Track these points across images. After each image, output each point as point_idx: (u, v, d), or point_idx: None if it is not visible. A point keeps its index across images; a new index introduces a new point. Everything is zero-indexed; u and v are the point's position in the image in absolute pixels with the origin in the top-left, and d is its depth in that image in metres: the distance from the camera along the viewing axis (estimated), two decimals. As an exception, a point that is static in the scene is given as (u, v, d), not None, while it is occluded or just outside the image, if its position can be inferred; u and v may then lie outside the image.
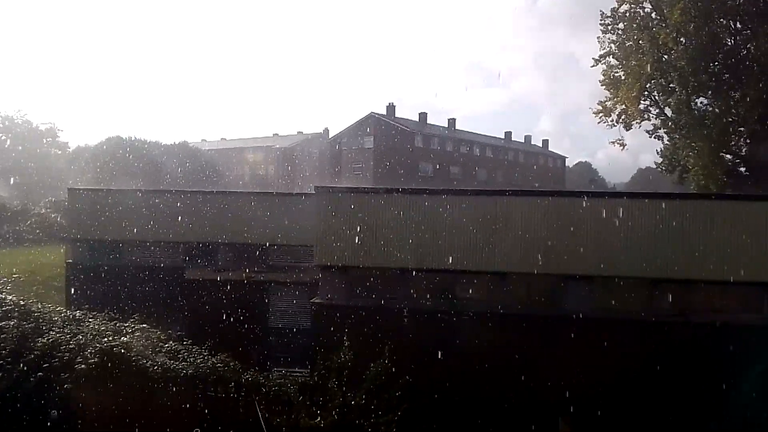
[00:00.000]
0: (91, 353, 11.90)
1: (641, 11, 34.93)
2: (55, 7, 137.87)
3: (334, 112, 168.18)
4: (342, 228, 14.99)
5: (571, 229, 13.99)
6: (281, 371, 15.33)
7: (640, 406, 13.10)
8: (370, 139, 73.57)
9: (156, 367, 12.16)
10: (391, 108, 75.09)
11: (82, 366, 11.65)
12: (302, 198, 19.57)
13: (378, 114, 75.01)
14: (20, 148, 59.93)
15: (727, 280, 13.33)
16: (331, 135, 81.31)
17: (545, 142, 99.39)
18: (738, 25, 33.03)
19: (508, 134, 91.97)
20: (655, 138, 38.20)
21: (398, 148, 70.22)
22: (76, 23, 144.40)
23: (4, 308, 13.34)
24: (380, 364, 12.79)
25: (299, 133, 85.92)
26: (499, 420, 13.46)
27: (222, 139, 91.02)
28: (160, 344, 13.36)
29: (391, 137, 71.75)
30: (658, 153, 39.24)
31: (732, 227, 13.49)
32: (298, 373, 14.71)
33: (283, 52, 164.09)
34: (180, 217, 19.69)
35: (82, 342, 12.26)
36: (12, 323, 12.72)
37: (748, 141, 33.91)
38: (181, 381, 12.10)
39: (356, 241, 14.88)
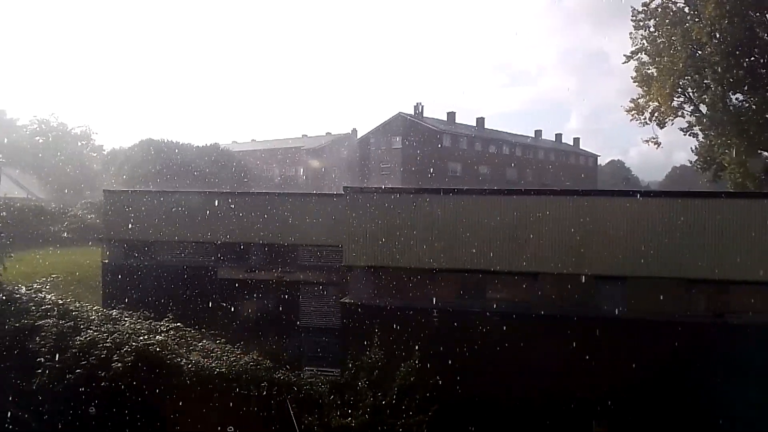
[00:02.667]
0: (127, 351, 12.16)
1: (673, 6, 34.22)
2: (89, 11, 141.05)
3: (363, 113, 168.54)
4: (370, 228, 15.05)
5: (604, 228, 13.82)
6: (312, 370, 15.43)
7: (675, 408, 12.86)
8: (398, 139, 73.49)
9: (190, 365, 12.37)
10: (419, 108, 74.93)
11: (119, 364, 11.90)
12: (331, 198, 19.68)
13: (406, 114, 74.92)
14: (56, 151, 61.43)
15: (766, 281, 13.01)
16: (359, 135, 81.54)
17: (576, 140, 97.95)
18: (774, 18, 32.13)
19: (537, 133, 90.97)
20: (689, 135, 37.36)
21: (426, 148, 70.00)
22: (111, 28, 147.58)
23: (43, 307, 13.75)
24: (410, 365, 12.82)
25: (328, 134, 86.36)
26: (530, 422, 13.35)
27: (252, 140, 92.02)
28: (194, 343, 13.60)
29: (419, 137, 71.55)
30: (692, 151, 38.40)
31: (770, 226, 13.17)
32: (328, 372, 14.80)
33: (312, 53, 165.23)
34: (212, 218, 19.98)
35: (118, 340, 12.53)
36: (51, 322, 13.09)
37: (786, 138, 32.98)
38: (214, 379, 12.28)
39: (384, 241, 14.92)
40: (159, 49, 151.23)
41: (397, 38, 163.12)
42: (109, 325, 13.38)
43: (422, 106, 75.59)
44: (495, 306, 14.39)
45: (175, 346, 12.90)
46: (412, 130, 73.39)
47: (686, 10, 33.80)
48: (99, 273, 21.24)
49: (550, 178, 79.34)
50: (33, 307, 13.75)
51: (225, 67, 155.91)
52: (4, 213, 18.17)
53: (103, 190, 24.07)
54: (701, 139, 36.96)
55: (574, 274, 13.96)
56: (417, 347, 13.11)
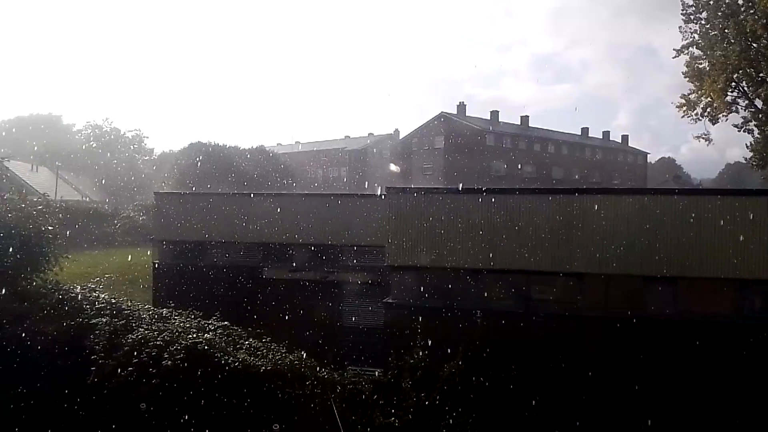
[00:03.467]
0: (177, 349, 12.46)
1: (726, -1, 33.08)
2: (141, 20, 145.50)
3: (405, 114, 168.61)
4: (412, 229, 15.04)
5: (653, 228, 13.44)
6: (355, 369, 15.50)
7: (728, 414, 12.40)
8: (440, 139, 73.20)
9: (237, 364, 12.59)
10: (461, 107, 74.48)
11: (169, 362, 12.20)
12: (374, 199, 19.74)
13: (448, 113, 74.56)
14: (108, 154, 63.55)
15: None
16: (401, 136, 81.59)
17: (624, 137, 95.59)
18: (835, 7, 30.67)
19: (584, 130, 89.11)
20: (744, 131, 36.05)
21: (469, 147, 69.47)
22: (161, 35, 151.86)
23: (97, 306, 14.25)
24: (453, 366, 12.74)
25: (370, 134, 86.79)
26: (576, 426, 13.09)
27: (296, 142, 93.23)
28: (241, 341, 13.82)
29: (461, 137, 71.07)
30: (747, 147, 36.98)
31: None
32: (371, 372, 14.84)
33: (357, 54, 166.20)
34: (258, 219, 20.30)
35: (168, 338, 12.84)
36: (104, 320, 13.54)
37: None
38: (260, 377, 12.46)
39: (427, 241, 14.88)
40: (208, 55, 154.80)
41: (439, 36, 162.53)
42: (160, 324, 13.72)
43: (465, 105, 75.16)
44: (540, 307, 14.17)
45: (223, 345, 13.13)
46: (455, 130, 72.97)
47: (740, 1, 32.62)
48: (150, 273, 21.83)
49: (598, 177, 77.66)
50: (87, 306, 14.25)
51: (271, 70, 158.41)
52: (60, 215, 18.87)
53: (154, 192, 24.78)
54: (756, 135, 35.59)
55: (622, 275, 13.62)
56: (460, 348, 13.02)
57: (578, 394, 13.14)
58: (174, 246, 21.30)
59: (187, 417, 11.98)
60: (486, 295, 14.65)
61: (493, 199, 15.00)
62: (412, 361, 12.99)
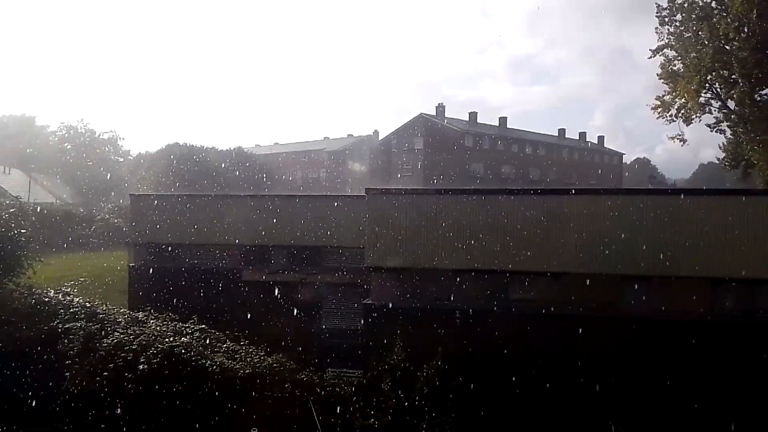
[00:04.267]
0: (153, 353, 12.30)
1: (700, 1, 33.67)
2: (117, 20, 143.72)
3: (384, 114, 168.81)
4: (392, 230, 15.04)
5: (629, 228, 13.60)
6: (335, 371, 15.44)
7: (699, 410, 12.59)
8: (420, 140, 73.42)
9: (215, 367, 12.47)
10: (440, 108, 74.76)
11: (145, 366, 12.04)
12: (353, 200, 19.70)
13: (428, 114, 74.82)
14: (84, 155, 62.53)
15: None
16: (380, 137, 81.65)
17: (600, 138, 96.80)
18: (805, 11, 31.39)
19: (561, 131, 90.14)
20: (717, 132, 36.65)
21: (448, 148, 69.77)
22: (137, 35, 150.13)
23: (71, 310, 14.01)
24: (433, 366, 12.75)
25: (349, 135, 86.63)
26: (553, 421, 13.19)
27: (275, 143, 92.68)
28: (219, 344, 13.70)
29: (440, 138, 71.37)
30: (720, 148, 37.60)
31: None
32: (350, 373, 14.80)
33: (334, 55, 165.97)
34: (236, 221, 20.14)
35: (144, 342, 12.68)
36: (79, 324, 13.33)
37: (818, 133, 32.18)
38: (238, 380, 12.36)
39: (406, 242, 14.89)
40: (184, 56, 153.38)
41: (418, 38, 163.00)
42: (136, 328, 13.56)
43: (444, 107, 75.41)
44: (518, 306, 14.25)
45: (200, 348, 13.00)
46: (434, 131, 73.28)
47: (713, 4, 33.18)
48: (126, 276, 21.53)
49: (575, 178, 78.50)
50: (61, 310, 14.03)
51: (248, 71, 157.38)
52: (33, 218, 18.53)
53: (129, 194, 24.46)
54: (729, 136, 36.20)
55: (598, 275, 13.77)
56: (440, 348, 13.04)
57: (556, 392, 13.23)
58: (150, 249, 21.04)
59: (164, 421, 11.85)
60: (465, 295, 14.69)
61: (472, 200, 15.07)
62: (391, 362, 12.98)
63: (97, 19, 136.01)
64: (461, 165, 69.49)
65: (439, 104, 74.78)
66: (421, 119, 74.88)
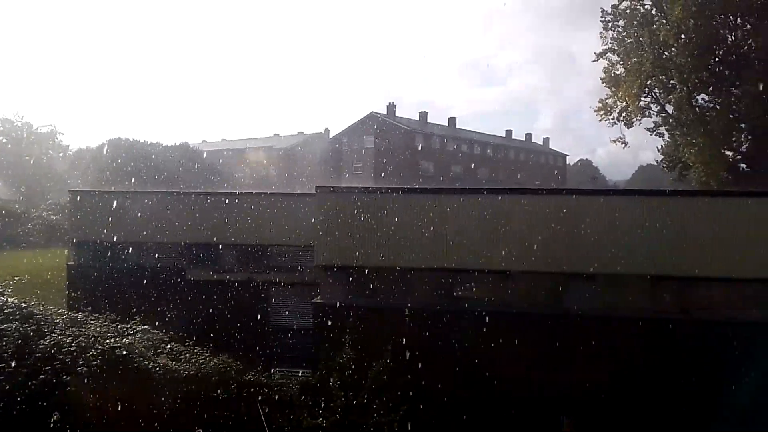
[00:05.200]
0: (93, 355, 11.91)
1: (641, 8, 34.91)
2: (55, 8, 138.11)
3: (335, 112, 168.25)
4: (342, 228, 14.98)
5: (573, 227, 13.96)
6: (283, 371, 15.30)
7: (643, 404, 13.06)
8: (370, 138, 73.58)
9: (158, 368, 12.16)
10: (391, 107, 75.09)
11: (85, 368, 11.64)
12: (303, 198, 19.55)
13: (378, 113, 75.03)
14: (20, 151, 59.93)
15: (730, 277, 13.30)
16: (331, 135, 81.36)
17: (546, 140, 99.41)
18: (738, 20, 32.99)
19: (508, 132, 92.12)
20: (656, 135, 38.25)
21: (399, 147, 70.20)
22: (74, 24, 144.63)
23: (5, 311, 13.34)
24: (382, 364, 12.78)
25: (300, 133, 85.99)
26: (502, 419, 13.44)
27: (222, 139, 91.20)
28: (162, 345, 13.37)
29: (391, 136, 71.73)
30: (659, 150, 39.29)
31: (734, 223, 13.45)
32: (300, 373, 14.70)
33: (282, 51, 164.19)
34: (181, 219, 19.68)
35: (84, 344, 12.24)
36: (14, 326, 12.70)
37: (749, 137, 33.87)
38: (182, 382, 12.10)
39: (357, 241, 14.86)
40: (126, 46, 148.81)
41: (369, 36, 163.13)
42: (75, 329, 13.05)
43: (395, 106, 75.83)
44: (467, 304, 14.43)
45: (143, 349, 12.65)
46: (385, 130, 73.55)
47: (654, 11, 34.50)
48: (64, 275, 20.78)
49: (521, 178, 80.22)
50: (-6, 312, 13.36)
51: (195, 65, 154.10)
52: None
53: (69, 191, 23.53)
54: (667, 139, 37.83)
55: (545, 273, 14.08)
56: (389, 347, 13.08)
57: (504, 389, 13.47)
58: (90, 247, 20.35)
59: (105, 423, 11.48)
60: (415, 293, 14.78)
61: (422, 199, 15.16)
62: (340, 361, 12.93)
63: (33, 7, 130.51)
64: (412, 164, 70.01)
65: (390, 103, 75.17)
66: (372, 118, 75.04)
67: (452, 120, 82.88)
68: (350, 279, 15.11)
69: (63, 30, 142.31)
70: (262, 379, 13.01)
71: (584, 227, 13.95)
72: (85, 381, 11.56)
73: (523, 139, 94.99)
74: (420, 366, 13.36)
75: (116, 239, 19.89)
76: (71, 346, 12.13)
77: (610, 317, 13.64)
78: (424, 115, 78.98)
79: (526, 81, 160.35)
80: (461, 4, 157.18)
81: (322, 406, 12.18)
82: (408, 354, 13.27)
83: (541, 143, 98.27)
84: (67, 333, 12.70)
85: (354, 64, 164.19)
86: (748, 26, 32.49)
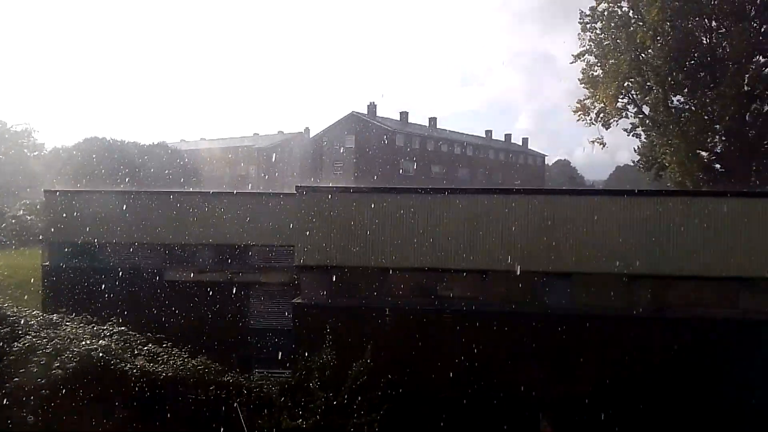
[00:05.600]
0: (69, 357, 11.73)
1: (619, 10, 35.32)
2: (28, 5, 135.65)
3: (315, 112, 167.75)
4: (323, 228, 14.93)
5: (551, 227, 14.08)
6: (262, 372, 15.22)
7: (622, 401, 13.23)
8: (351, 138, 73.47)
9: (135, 370, 12.03)
10: (372, 107, 75.05)
11: (60, 371, 11.47)
12: (283, 198, 19.46)
13: (359, 113, 74.96)
14: (-5, 149, 58.89)
15: (703, 276, 13.52)
16: (312, 134, 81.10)
17: (525, 140, 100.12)
18: (713, 23, 33.56)
19: (488, 133, 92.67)
20: (632, 136, 38.72)
21: (379, 147, 70.22)
22: (50, 21, 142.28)
23: (-22, 313, 13.11)
24: (362, 364, 12.77)
25: (280, 132, 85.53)
26: (481, 417, 13.51)
27: (202, 139, 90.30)
28: (140, 347, 13.23)
29: (372, 136, 71.73)
30: (635, 151, 39.83)
31: (708, 223, 13.68)
32: (279, 374, 14.62)
33: (262, 51, 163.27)
34: (159, 219, 19.47)
35: (59, 346, 12.06)
36: (-14, 328, 12.49)
37: (723, 138, 34.49)
38: (160, 383, 11.99)
39: (337, 241, 14.83)
40: (103, 45, 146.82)
41: (350, 37, 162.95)
42: (50, 330, 12.86)
43: (375, 106, 75.79)
44: (446, 304, 14.49)
45: (120, 351, 12.50)
46: (365, 130, 73.52)
47: (631, 14, 34.93)
48: (39, 276, 20.45)
49: (501, 178, 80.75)
50: (-34, 313, 13.10)
51: (174, 64, 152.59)
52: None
53: (44, 191, 23.15)
54: (644, 140, 38.34)
55: (522, 272, 14.18)
56: (369, 346, 13.08)
57: (484, 387, 13.55)
58: (66, 247, 20.04)
59: (82, 427, 11.34)
60: (395, 293, 14.80)
61: (402, 199, 15.17)
62: (320, 361, 12.90)
63: (2, 2, 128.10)
64: (392, 163, 70.08)
65: (370, 103, 75.11)
66: (353, 117, 74.95)
67: (432, 120, 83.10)
68: (330, 279, 15.07)
69: (38, 27, 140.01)
70: (242, 380, 12.93)
71: (561, 227, 14.09)
72: (61, 384, 11.39)
73: (503, 139, 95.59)
74: (400, 366, 13.39)
75: (92, 239, 19.62)
76: (46, 348, 11.95)
77: (587, 316, 13.78)
78: (404, 114, 79.12)
79: (506, 82, 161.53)
80: (440, 5, 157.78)
81: (302, 406, 12.14)
82: (389, 354, 13.28)
83: (521, 144, 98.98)
84: (42, 335, 12.51)
85: (335, 65, 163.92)
86: (723, 29, 33.07)
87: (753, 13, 32.34)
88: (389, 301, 14.59)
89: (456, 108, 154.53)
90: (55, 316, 14.08)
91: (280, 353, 15.57)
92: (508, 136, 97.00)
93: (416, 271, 14.78)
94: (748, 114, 33.31)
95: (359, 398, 12.28)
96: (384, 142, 70.78)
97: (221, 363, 13.27)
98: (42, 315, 14.43)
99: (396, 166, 70.33)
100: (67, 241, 19.96)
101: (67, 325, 13.47)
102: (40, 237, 21.84)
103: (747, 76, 31.89)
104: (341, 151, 73.60)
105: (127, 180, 42.21)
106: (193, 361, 12.80)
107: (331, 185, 23.50)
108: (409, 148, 73.95)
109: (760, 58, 32.92)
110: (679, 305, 13.90)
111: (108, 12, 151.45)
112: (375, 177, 61.82)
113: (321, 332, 13.70)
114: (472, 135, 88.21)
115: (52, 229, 20.52)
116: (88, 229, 19.51)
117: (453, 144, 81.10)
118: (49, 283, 19.68)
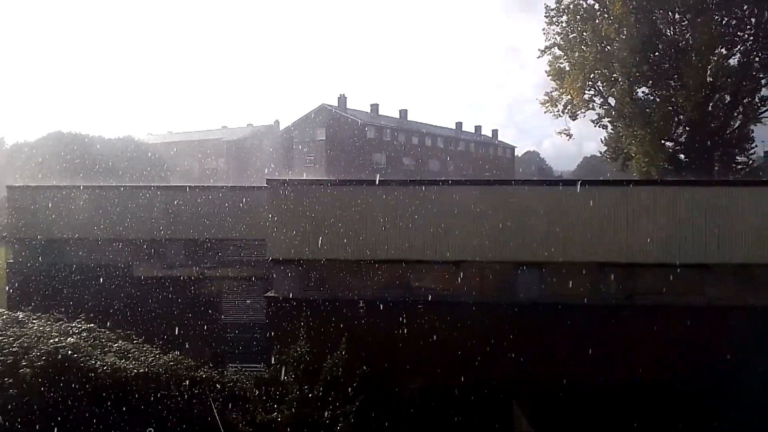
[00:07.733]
0: (36, 356, 11.50)
1: (584, 3, 35.86)
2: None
3: (285, 104, 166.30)
4: (295, 221, 14.86)
5: (522, 217, 14.26)
6: (236, 366, 15.13)
7: (593, 389, 13.48)
8: (322, 130, 73.16)
9: (105, 368, 11.85)
10: (342, 99, 74.77)
11: (27, 369, 11.24)
12: (254, 191, 19.30)
13: (329, 105, 74.64)
14: (-47, 144, 57.13)
15: (669, 263, 13.85)
16: (282, 127, 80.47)
17: (494, 132, 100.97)
18: (677, 16, 34.27)
19: (459, 125, 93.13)
20: (599, 127, 39.43)
21: (350, 139, 70.07)
22: (8, 13, 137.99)
23: (-61, 312, 12.77)
24: (336, 356, 12.80)
25: (249, 125, 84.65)
26: (456, 406, 13.65)
27: (168, 132, 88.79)
28: (110, 344, 13.02)
29: (343, 129, 71.52)
30: (602, 141, 40.54)
31: (674, 211, 14.01)
32: (253, 368, 14.56)
33: (230, 43, 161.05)
34: (126, 214, 19.15)
35: (26, 344, 11.81)
36: (-51, 328, 12.17)
37: (687, 129, 35.31)
38: (132, 380, 11.83)
39: (309, 234, 14.78)
40: (65, 35, 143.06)
41: (319, 28, 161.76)
42: (16, 329, 12.57)
43: (346, 98, 75.58)
44: (420, 295, 14.58)
45: (89, 348, 12.29)
46: (336, 122, 73.30)
47: (596, 6, 35.48)
48: (2, 274, 19.96)
49: (471, 169, 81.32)
50: (-73, 313, 12.75)
51: (139, 55, 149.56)
52: None
53: (6, 186, 22.52)
54: (610, 131, 39.03)
55: (494, 262, 14.35)
56: (344, 339, 13.10)
57: (458, 377, 13.69)
58: (31, 244, 19.58)
59: (53, 425, 11.13)
60: (369, 285, 14.83)
61: (373, 191, 15.18)
62: (295, 354, 12.88)
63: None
64: (363, 156, 70.02)
65: (341, 95, 74.82)
66: (323, 110, 74.66)
67: (403, 112, 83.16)
68: (304, 272, 15.04)
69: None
70: (215, 375, 12.83)
71: (531, 217, 14.27)
72: (29, 382, 11.17)
73: (473, 131, 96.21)
74: (375, 357, 13.44)
75: (58, 236, 19.22)
76: (13, 347, 11.69)
77: (557, 304, 14.02)
78: (375, 106, 79.02)
79: (475, 74, 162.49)
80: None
81: (277, 400, 12.11)
82: (363, 346, 13.33)
83: (491, 135, 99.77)
84: (8, 333, 12.23)
85: (305, 56, 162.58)
86: (686, 22, 33.79)
87: (714, 6, 33.09)
88: (363, 294, 14.62)
89: (426, 100, 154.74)
90: (21, 314, 13.77)
91: (255, 348, 15.50)
92: (478, 128, 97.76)
93: (389, 263, 14.82)
94: (711, 104, 34.16)
95: (334, 390, 12.30)
96: (355, 134, 70.64)
97: (194, 359, 13.16)
98: (7, 313, 14.10)
99: (367, 158, 70.28)
100: (32, 238, 19.51)
101: (34, 323, 13.18)
102: (4, 234, 21.23)
103: (710, 67, 32.70)
104: (312, 143, 73.24)
105: (93, 174, 41.34)
106: (165, 357, 12.66)
107: (302, 178, 23.39)
108: (380, 140, 73.98)
109: (723, 50, 33.76)
110: (647, 293, 14.22)
111: (70, 3, 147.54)
112: (346, 169, 61.68)
113: (295, 326, 13.68)
114: (443, 127, 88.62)
115: (16, 226, 20.00)
116: (53, 225, 19.09)
117: (423, 136, 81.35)
118: (14, 281, 19.21)
